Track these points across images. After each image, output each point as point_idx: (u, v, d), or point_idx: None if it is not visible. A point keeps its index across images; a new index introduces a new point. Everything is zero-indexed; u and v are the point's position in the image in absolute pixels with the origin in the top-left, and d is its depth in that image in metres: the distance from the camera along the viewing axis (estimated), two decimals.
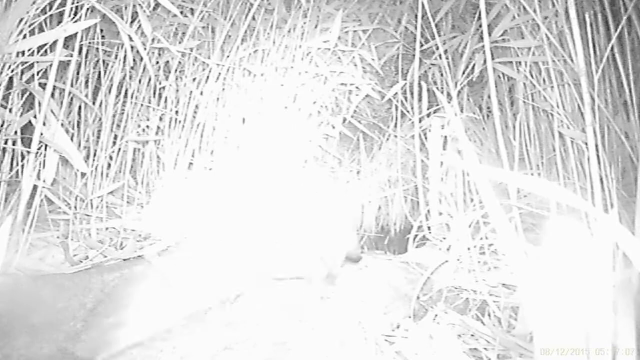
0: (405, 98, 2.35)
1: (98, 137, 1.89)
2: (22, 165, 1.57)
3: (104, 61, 1.96)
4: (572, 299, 0.43)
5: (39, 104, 1.49)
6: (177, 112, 2.21)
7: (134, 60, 1.72)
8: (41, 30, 1.47)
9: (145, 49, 1.69)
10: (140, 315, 1.14)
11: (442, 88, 2.16)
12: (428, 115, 2.25)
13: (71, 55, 1.55)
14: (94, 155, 1.86)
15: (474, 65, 1.99)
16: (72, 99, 1.88)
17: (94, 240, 1.73)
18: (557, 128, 1.81)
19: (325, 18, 2.21)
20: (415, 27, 1.93)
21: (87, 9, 1.50)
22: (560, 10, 1.66)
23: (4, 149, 1.62)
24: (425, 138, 2.29)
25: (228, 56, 2.06)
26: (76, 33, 1.51)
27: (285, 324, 1.12)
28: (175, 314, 1.01)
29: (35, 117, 1.49)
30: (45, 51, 1.53)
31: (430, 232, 1.90)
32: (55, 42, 1.46)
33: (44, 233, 1.66)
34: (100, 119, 1.92)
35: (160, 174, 2.16)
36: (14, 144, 1.61)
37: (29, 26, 1.42)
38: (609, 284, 0.45)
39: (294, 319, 1.14)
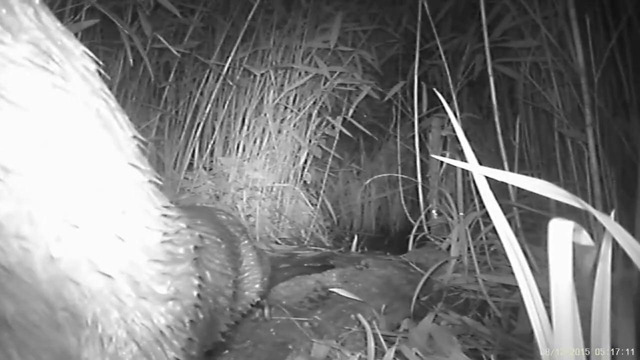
0: (405, 98, 2.35)
1: None
2: None
3: (104, 61, 1.96)
4: (571, 299, 0.43)
5: None
6: (177, 112, 2.21)
7: (133, 60, 1.71)
8: None
9: (145, 49, 1.69)
10: None
11: (442, 88, 2.16)
12: (428, 115, 2.25)
13: None
14: None
15: (474, 65, 1.99)
16: None
17: None
18: (557, 128, 1.81)
19: (325, 18, 2.21)
20: (415, 28, 1.93)
21: (87, 9, 1.50)
22: (560, 11, 1.66)
23: None
24: (425, 138, 2.29)
25: (228, 56, 2.06)
26: (76, 33, 1.51)
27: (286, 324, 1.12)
28: None
29: None
30: None
31: (430, 232, 1.90)
32: None
33: None
34: None
35: (160, 174, 2.16)
36: None
37: None
38: (609, 284, 0.45)
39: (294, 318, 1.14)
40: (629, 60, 1.69)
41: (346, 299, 1.27)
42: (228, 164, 2.14)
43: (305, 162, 2.34)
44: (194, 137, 2.11)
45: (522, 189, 0.48)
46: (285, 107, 2.23)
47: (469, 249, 1.52)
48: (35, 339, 0.49)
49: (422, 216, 1.90)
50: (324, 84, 2.19)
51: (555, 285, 0.43)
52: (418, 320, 1.17)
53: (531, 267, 0.47)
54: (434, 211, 2.07)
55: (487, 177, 0.49)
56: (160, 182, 0.55)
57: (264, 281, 1.05)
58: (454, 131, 1.81)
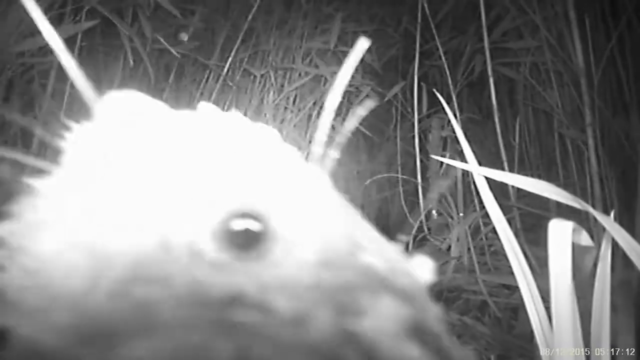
0: (405, 99, 2.35)
1: None
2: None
3: (104, 62, 1.96)
4: (571, 299, 0.43)
5: (40, 105, 1.49)
6: None
7: (134, 61, 1.72)
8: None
9: (145, 50, 1.69)
10: None
11: (441, 89, 2.16)
12: (428, 116, 2.25)
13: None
14: None
15: (473, 66, 1.99)
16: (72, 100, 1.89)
17: None
18: (557, 129, 1.81)
19: (325, 19, 2.21)
20: (415, 28, 1.93)
21: (88, 10, 1.50)
22: (560, 12, 1.66)
23: None
24: (425, 139, 2.29)
25: (228, 57, 2.06)
26: (76, 34, 1.52)
27: None
28: None
29: (35, 118, 1.49)
30: (46, 53, 1.53)
31: (430, 233, 1.90)
32: None
33: None
34: None
35: None
36: (14, 145, 1.62)
37: (30, 27, 1.42)
38: (608, 284, 0.45)
39: None
40: (628, 60, 1.69)
41: None
42: None
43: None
44: None
45: (522, 189, 0.48)
46: (285, 108, 2.23)
47: (469, 249, 1.52)
48: None
49: (422, 216, 1.91)
50: (324, 84, 2.19)
51: (555, 285, 0.43)
52: None
53: (531, 268, 0.47)
54: (434, 211, 2.07)
55: (487, 178, 0.49)
56: None
57: None
58: (454, 132, 1.81)
